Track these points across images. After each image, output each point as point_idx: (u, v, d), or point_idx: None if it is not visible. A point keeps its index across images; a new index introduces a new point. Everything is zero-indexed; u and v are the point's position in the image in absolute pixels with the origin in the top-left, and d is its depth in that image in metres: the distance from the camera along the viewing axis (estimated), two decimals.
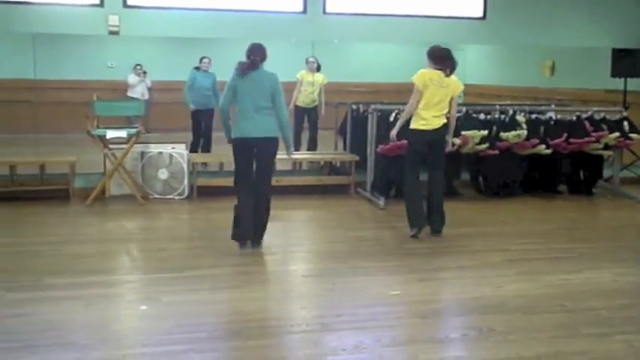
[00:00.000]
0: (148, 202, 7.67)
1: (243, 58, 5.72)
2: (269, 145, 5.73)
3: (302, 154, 9.20)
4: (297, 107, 9.80)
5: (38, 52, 9.29)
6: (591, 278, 5.24)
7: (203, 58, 9.61)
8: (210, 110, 9.48)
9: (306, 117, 9.88)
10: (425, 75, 6.15)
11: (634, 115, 8.63)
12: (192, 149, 9.16)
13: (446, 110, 6.26)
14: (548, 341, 4.01)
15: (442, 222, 6.36)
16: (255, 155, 5.73)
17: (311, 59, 9.79)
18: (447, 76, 6.16)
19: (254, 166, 5.78)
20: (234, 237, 5.82)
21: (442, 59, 6.16)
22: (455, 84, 6.25)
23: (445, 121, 6.27)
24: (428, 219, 6.34)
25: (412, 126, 6.26)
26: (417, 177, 6.36)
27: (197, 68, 9.62)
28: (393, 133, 6.52)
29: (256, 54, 5.69)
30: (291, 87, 9.31)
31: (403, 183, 6.63)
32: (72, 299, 4.59)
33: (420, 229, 6.25)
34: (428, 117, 6.16)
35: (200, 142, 9.63)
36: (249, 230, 5.76)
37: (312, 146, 9.88)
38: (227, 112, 5.81)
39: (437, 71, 6.15)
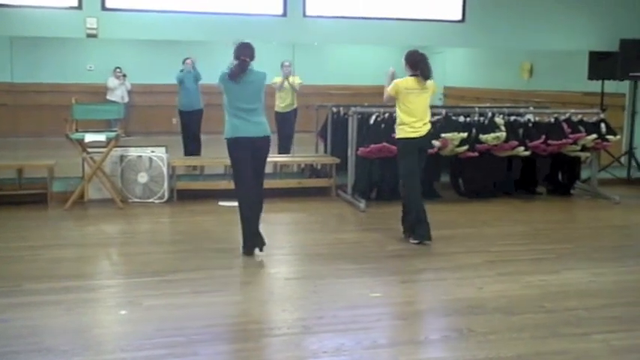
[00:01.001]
0: (127, 205, 7.63)
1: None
2: (266, 145, 5.73)
3: (283, 157, 9.19)
4: (276, 113, 9.80)
5: (16, 55, 9.23)
6: (570, 278, 5.29)
7: (186, 59, 9.62)
8: (197, 111, 9.48)
9: (284, 121, 9.86)
10: (400, 85, 6.13)
11: (611, 117, 8.73)
12: (187, 152, 9.17)
13: (428, 115, 6.27)
14: (528, 341, 4.04)
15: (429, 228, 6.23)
16: (251, 155, 5.64)
17: (286, 63, 9.73)
18: (422, 81, 6.15)
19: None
20: (247, 251, 5.76)
21: (416, 64, 6.15)
22: (432, 85, 6.29)
23: (430, 127, 6.28)
24: (413, 228, 6.24)
25: (401, 135, 6.19)
26: (418, 186, 6.26)
27: (182, 71, 9.61)
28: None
29: (246, 54, 5.61)
30: (271, 90, 9.29)
31: (404, 197, 6.32)
32: (52, 304, 4.56)
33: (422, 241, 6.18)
34: (415, 125, 6.13)
35: (191, 144, 9.52)
36: (256, 237, 5.74)
37: (287, 150, 9.80)
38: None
39: (413, 78, 6.15)
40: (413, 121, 6.12)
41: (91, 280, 5.20)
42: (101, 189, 7.71)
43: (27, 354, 3.78)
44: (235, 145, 5.63)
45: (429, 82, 6.22)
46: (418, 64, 6.14)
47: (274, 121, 9.82)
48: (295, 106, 9.91)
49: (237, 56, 5.60)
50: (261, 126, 5.67)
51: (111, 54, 12.85)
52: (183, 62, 9.61)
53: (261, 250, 5.75)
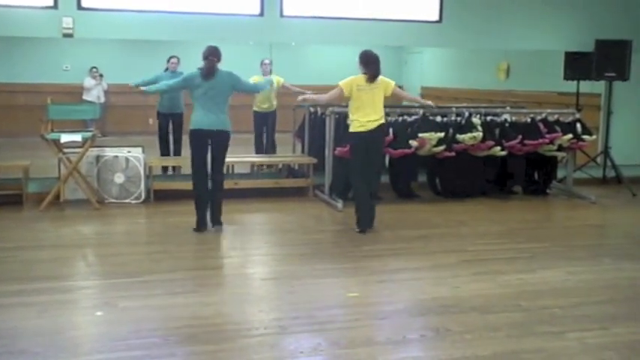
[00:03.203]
0: (103, 206, 7.57)
1: (200, 61, 6.12)
2: (223, 138, 6.38)
3: (260, 157, 9.19)
4: (255, 112, 9.77)
5: None
6: (546, 277, 5.33)
7: (171, 57, 9.17)
8: (178, 115, 9.16)
9: (265, 121, 9.84)
10: (352, 82, 6.48)
11: (586, 117, 8.81)
12: (162, 154, 9.08)
13: (381, 112, 6.56)
14: (504, 340, 4.06)
15: (372, 219, 6.63)
16: (210, 145, 6.35)
17: (266, 61, 9.66)
18: (371, 80, 6.45)
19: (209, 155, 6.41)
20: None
21: (368, 64, 6.49)
22: (384, 83, 6.57)
23: (381, 122, 6.57)
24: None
25: (350, 129, 6.61)
26: (363, 180, 6.61)
27: (166, 69, 9.14)
28: (306, 97, 7.30)
29: (214, 55, 6.28)
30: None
31: (352, 187, 6.87)
32: (25, 306, 4.51)
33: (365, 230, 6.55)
34: (362, 120, 6.48)
35: (169, 146, 9.29)
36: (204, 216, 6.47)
37: (272, 149, 9.85)
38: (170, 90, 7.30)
39: (363, 76, 6.48)
40: (361, 116, 6.47)
41: (66, 281, 5.15)
42: (77, 189, 7.65)
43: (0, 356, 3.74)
44: (194, 136, 6.36)
45: (382, 80, 6.53)
46: (369, 64, 6.49)
47: (255, 120, 9.79)
48: (275, 107, 9.87)
49: (206, 57, 6.27)
50: (219, 121, 6.34)
51: (87, 54, 12.79)
52: (168, 61, 9.16)
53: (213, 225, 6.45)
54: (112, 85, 12.85)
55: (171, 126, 9.28)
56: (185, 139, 9.36)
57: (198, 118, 6.32)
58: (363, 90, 6.46)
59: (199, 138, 6.34)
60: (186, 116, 9.27)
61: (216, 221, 6.47)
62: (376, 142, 6.61)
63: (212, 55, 6.27)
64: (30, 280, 5.05)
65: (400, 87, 7.84)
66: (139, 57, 12.11)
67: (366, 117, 6.47)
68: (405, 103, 8.30)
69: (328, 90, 6.76)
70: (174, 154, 9.24)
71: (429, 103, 7.40)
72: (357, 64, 6.54)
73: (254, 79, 9.47)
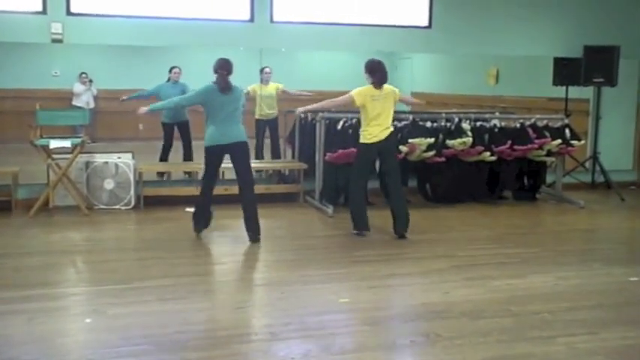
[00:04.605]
0: (93, 212, 7.55)
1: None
2: (243, 148, 6.36)
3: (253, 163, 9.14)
4: (257, 120, 9.74)
5: None
6: (535, 282, 5.34)
7: (173, 67, 9.06)
8: (184, 123, 9.07)
9: (267, 128, 9.82)
10: (366, 93, 6.49)
11: (575, 122, 8.85)
12: (161, 158, 9.06)
13: (390, 120, 6.59)
14: (494, 345, 4.07)
15: (407, 225, 6.65)
16: (232, 159, 6.35)
17: (267, 70, 9.64)
18: (378, 86, 6.48)
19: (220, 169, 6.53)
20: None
21: (373, 71, 6.51)
22: (390, 90, 6.61)
23: (392, 130, 6.60)
24: (394, 224, 6.65)
25: (362, 141, 6.59)
26: (364, 186, 6.80)
27: (168, 80, 9.07)
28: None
29: (223, 68, 6.22)
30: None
31: (349, 190, 6.89)
32: (13, 313, 4.49)
33: (361, 232, 6.66)
34: (376, 131, 6.50)
35: (168, 154, 9.19)
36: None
37: (277, 156, 9.78)
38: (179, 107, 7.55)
39: (371, 85, 6.50)
40: (373, 128, 6.52)
41: (55, 288, 5.12)
42: (66, 196, 7.62)
43: None
44: (210, 152, 6.32)
45: (388, 88, 6.57)
46: (375, 72, 6.52)
47: (257, 128, 9.75)
48: (276, 113, 9.87)
49: (217, 70, 6.24)
50: (237, 132, 6.31)
51: (76, 59, 12.71)
52: (170, 71, 9.04)
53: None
54: (102, 90, 12.79)
55: (178, 134, 9.18)
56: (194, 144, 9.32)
57: (216, 135, 6.23)
58: (377, 100, 6.47)
59: (217, 154, 6.29)
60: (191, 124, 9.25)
61: (255, 234, 6.40)
62: (390, 149, 6.68)
63: (221, 68, 6.21)
64: (19, 287, 5.03)
65: None
66: (129, 62, 12.05)
67: (379, 127, 6.49)
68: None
69: (321, 95, 6.80)
70: (185, 159, 9.12)
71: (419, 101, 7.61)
72: (364, 75, 6.55)
73: (253, 87, 9.47)
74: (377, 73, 6.50)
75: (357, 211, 6.69)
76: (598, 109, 9.60)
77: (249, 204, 6.41)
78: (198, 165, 7.05)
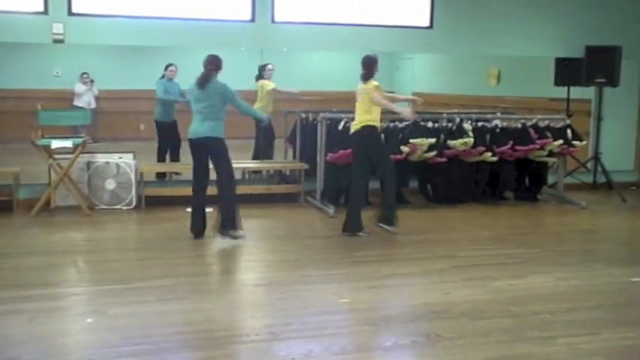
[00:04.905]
0: (94, 212, 7.55)
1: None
2: (211, 144, 6.31)
3: (251, 164, 9.15)
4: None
5: None
6: (536, 283, 5.34)
7: (169, 65, 9.01)
8: (173, 123, 9.05)
9: (268, 127, 9.75)
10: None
11: (577, 122, 8.84)
12: (159, 160, 9.02)
13: (360, 116, 6.71)
14: (495, 345, 4.07)
15: (391, 214, 6.74)
16: (206, 154, 6.36)
17: (269, 66, 9.52)
18: (364, 80, 6.65)
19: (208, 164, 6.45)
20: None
21: (363, 66, 6.71)
22: (364, 86, 6.68)
23: (361, 125, 6.68)
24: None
25: (371, 127, 6.71)
26: (365, 187, 6.98)
27: (162, 77, 9.00)
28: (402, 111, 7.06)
29: (212, 63, 6.27)
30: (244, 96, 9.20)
31: (350, 190, 6.96)
32: (15, 313, 4.49)
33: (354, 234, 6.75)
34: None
35: (165, 155, 9.16)
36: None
37: (265, 155, 9.75)
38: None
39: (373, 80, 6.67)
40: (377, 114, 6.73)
41: (56, 288, 5.13)
42: (68, 196, 7.62)
43: None
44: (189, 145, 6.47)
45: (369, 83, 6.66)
46: (363, 66, 6.71)
47: (256, 127, 9.71)
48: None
49: (204, 66, 6.27)
50: (207, 128, 6.30)
51: (78, 59, 12.74)
52: (166, 69, 8.99)
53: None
54: (103, 90, 12.82)
55: (168, 134, 9.16)
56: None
57: (190, 128, 6.39)
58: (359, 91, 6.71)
59: (192, 146, 6.40)
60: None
61: (217, 230, 6.35)
62: (367, 143, 6.78)
63: (210, 63, 6.28)
64: (19, 287, 5.03)
65: (392, 92, 7.87)
66: (131, 63, 12.10)
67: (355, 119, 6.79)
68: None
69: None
70: (173, 160, 9.11)
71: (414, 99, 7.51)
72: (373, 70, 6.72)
73: (263, 83, 9.34)
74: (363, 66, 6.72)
75: (356, 212, 6.72)
76: (600, 109, 9.59)
77: (220, 201, 6.35)
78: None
